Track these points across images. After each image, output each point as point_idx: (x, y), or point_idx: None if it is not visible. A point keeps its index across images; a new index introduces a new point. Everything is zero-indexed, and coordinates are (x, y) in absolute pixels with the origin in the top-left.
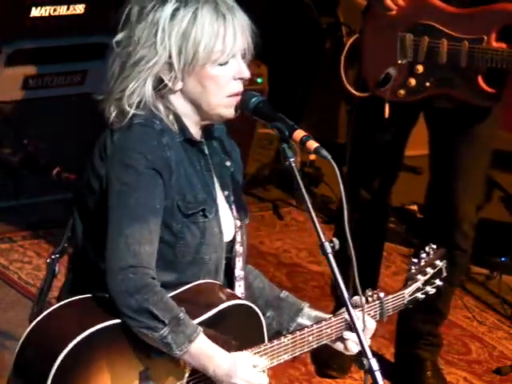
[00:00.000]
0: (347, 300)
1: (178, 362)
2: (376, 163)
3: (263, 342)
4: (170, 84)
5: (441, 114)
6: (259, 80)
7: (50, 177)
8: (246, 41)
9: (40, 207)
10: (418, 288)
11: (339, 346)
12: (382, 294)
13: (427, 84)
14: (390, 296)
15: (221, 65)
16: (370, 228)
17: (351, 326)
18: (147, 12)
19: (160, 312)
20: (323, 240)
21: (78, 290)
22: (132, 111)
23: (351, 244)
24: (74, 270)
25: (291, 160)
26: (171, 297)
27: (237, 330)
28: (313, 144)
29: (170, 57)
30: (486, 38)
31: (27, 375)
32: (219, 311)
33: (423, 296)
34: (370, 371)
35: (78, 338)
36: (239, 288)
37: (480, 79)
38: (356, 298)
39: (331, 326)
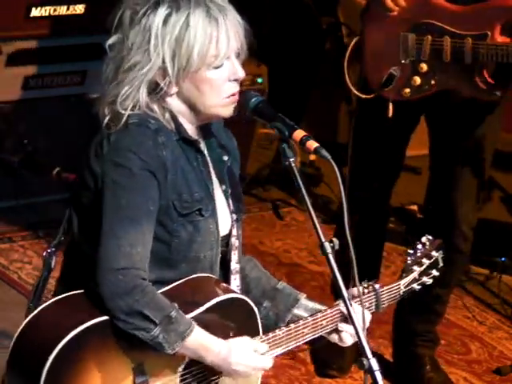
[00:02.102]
0: (347, 300)
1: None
2: (377, 165)
3: (258, 335)
4: (165, 88)
5: (442, 116)
6: (259, 80)
7: (50, 177)
8: (239, 40)
9: (40, 207)
10: (414, 279)
11: (334, 337)
12: (377, 286)
13: (432, 82)
14: (386, 287)
15: (215, 68)
16: (370, 229)
17: (350, 321)
18: (140, 17)
19: (151, 312)
20: (323, 240)
21: (71, 283)
22: (127, 113)
23: (351, 244)
24: (67, 261)
25: (291, 160)
26: (166, 291)
27: (231, 324)
28: (313, 144)
29: (163, 62)
30: (489, 33)
31: (20, 374)
32: (214, 304)
33: (419, 287)
34: (370, 371)
35: (70, 336)
36: (235, 281)
37: (485, 73)
38: (353, 289)
39: (327, 318)
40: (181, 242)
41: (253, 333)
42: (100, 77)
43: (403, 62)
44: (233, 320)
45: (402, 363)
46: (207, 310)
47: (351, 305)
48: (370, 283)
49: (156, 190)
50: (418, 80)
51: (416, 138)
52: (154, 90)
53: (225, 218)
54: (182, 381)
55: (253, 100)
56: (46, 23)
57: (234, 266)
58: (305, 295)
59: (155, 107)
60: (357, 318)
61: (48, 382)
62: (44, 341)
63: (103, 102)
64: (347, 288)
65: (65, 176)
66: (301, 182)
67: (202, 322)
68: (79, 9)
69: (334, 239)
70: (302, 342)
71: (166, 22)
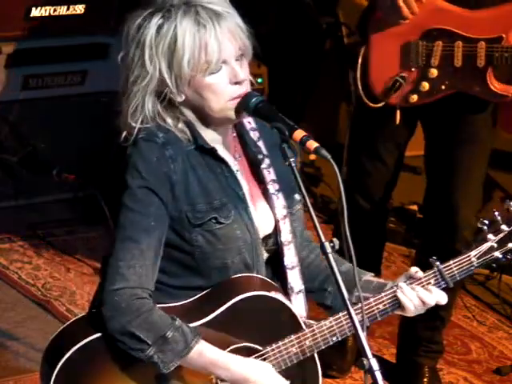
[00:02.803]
0: (347, 300)
1: None
2: (376, 170)
3: (296, 331)
4: (172, 97)
5: (438, 118)
6: (259, 80)
7: (50, 177)
8: (238, 44)
9: (40, 207)
10: (492, 247)
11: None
12: (437, 263)
13: (442, 87)
14: (452, 261)
15: (213, 73)
16: (370, 231)
17: (350, 321)
18: (135, 30)
19: (143, 333)
20: (323, 240)
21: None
22: (137, 126)
23: (351, 243)
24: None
25: (291, 160)
26: (196, 300)
27: (256, 323)
28: (313, 144)
29: (160, 73)
30: (505, 36)
31: (45, 362)
32: (232, 305)
33: (502, 255)
34: (370, 371)
35: (90, 339)
36: (294, 276)
37: (491, 75)
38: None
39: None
40: (203, 250)
41: (290, 329)
42: (100, 76)
43: (413, 69)
44: (257, 319)
45: (402, 370)
46: (224, 312)
47: (351, 305)
48: (432, 260)
49: (158, 206)
50: (426, 86)
51: (416, 138)
52: (163, 100)
53: (265, 218)
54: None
55: (253, 100)
56: (46, 23)
57: (290, 260)
58: (370, 274)
59: (167, 117)
60: (357, 318)
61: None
62: (73, 334)
63: (120, 116)
64: (347, 288)
65: (65, 176)
66: (301, 182)
67: (216, 324)
68: (79, 9)
69: (334, 239)
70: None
71: (157, 33)
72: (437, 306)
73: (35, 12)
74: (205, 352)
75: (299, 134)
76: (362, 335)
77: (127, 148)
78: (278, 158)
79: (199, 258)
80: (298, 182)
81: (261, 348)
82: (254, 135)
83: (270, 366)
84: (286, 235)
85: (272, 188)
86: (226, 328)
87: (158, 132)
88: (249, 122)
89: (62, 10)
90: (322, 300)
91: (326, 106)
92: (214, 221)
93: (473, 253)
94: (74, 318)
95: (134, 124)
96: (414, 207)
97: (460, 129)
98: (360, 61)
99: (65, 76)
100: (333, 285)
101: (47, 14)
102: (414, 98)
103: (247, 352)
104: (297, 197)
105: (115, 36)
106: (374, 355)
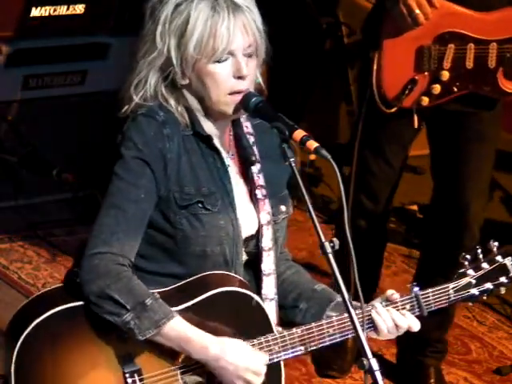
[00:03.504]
0: (347, 300)
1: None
2: (382, 171)
3: (268, 333)
4: (176, 78)
5: (444, 117)
6: (258, 80)
7: (50, 177)
8: (249, 39)
9: (40, 207)
10: (469, 283)
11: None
12: (416, 289)
13: (454, 89)
14: (430, 290)
15: (217, 61)
16: (372, 231)
17: (350, 321)
18: (157, 4)
19: (122, 297)
20: (323, 240)
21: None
22: (137, 101)
23: (351, 243)
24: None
25: (291, 160)
26: (173, 289)
27: (228, 318)
28: (313, 144)
29: (168, 51)
30: None
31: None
32: (211, 296)
33: (481, 293)
34: (370, 371)
35: (50, 313)
36: (269, 283)
37: (501, 75)
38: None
39: (333, 326)
40: (184, 234)
41: (263, 330)
42: (100, 76)
43: (426, 73)
44: (233, 314)
45: (407, 369)
46: (202, 301)
47: (351, 305)
48: (411, 285)
49: (150, 179)
50: (438, 88)
51: (416, 137)
52: (166, 79)
53: (249, 218)
54: (182, 373)
55: (253, 100)
56: (46, 23)
57: (267, 267)
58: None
59: (170, 98)
60: (357, 318)
61: (20, 358)
62: (27, 315)
63: (124, 91)
64: (347, 289)
65: (65, 176)
66: (301, 182)
67: (193, 312)
68: (79, 9)
69: (334, 239)
70: (314, 347)
71: (173, 12)
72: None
73: (35, 12)
74: (181, 327)
75: (299, 133)
76: (362, 335)
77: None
78: (271, 166)
79: (180, 241)
80: (298, 181)
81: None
82: (250, 140)
83: (244, 343)
84: (267, 241)
85: (259, 193)
86: (201, 317)
87: (159, 111)
88: (246, 127)
89: (62, 10)
90: (293, 317)
91: (325, 106)
92: (200, 205)
93: (451, 285)
94: (36, 294)
95: (134, 97)
96: (414, 207)
97: (468, 127)
98: (375, 67)
99: (65, 76)
100: (305, 302)
101: (47, 13)
102: (426, 100)
103: None
104: (283, 208)
105: (115, 36)
106: (374, 355)
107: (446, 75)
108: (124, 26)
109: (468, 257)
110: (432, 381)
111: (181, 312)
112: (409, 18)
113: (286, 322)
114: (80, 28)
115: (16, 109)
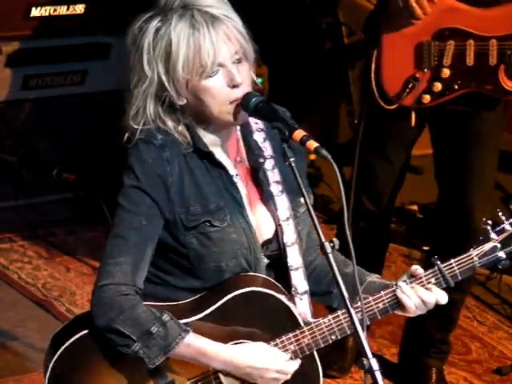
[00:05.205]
0: (347, 300)
1: None
2: (384, 172)
3: (296, 328)
4: (173, 100)
5: (447, 117)
6: (259, 80)
7: (50, 177)
8: (235, 47)
9: (40, 207)
10: (494, 247)
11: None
12: (438, 262)
13: (455, 86)
14: (453, 260)
15: (210, 76)
16: (374, 232)
17: (350, 321)
18: (136, 33)
19: (127, 329)
20: (323, 240)
21: None
22: (139, 127)
23: (351, 243)
24: None
25: (291, 160)
26: (194, 300)
27: (254, 318)
28: (313, 144)
29: (158, 76)
30: None
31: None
32: (228, 300)
33: (505, 255)
34: (370, 371)
35: (80, 335)
36: (298, 277)
37: (503, 73)
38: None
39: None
40: (197, 253)
41: (289, 326)
42: (100, 76)
43: (426, 70)
44: (252, 316)
45: (408, 369)
46: (221, 307)
47: (351, 305)
48: (433, 258)
49: (150, 205)
50: (439, 86)
51: (418, 139)
52: (164, 103)
53: (264, 222)
54: (217, 377)
55: (253, 100)
56: (46, 23)
57: (294, 262)
58: (375, 275)
59: (168, 120)
60: (357, 318)
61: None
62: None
63: (125, 117)
64: (353, 290)
65: (65, 176)
66: (301, 182)
67: (212, 319)
68: (79, 9)
69: (334, 239)
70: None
71: (155, 37)
72: (450, 307)
73: (35, 12)
74: (193, 343)
75: (299, 133)
76: (362, 335)
77: (128, 148)
78: (281, 160)
79: (194, 259)
80: (298, 181)
81: None
82: (260, 136)
83: (263, 344)
84: (289, 236)
85: (275, 189)
86: (223, 323)
87: (158, 134)
88: (256, 123)
89: (62, 10)
90: (329, 302)
91: (326, 106)
92: (207, 224)
93: (474, 252)
94: (76, 316)
95: (135, 126)
96: (414, 207)
97: (471, 128)
98: (374, 64)
99: (65, 76)
100: None
101: (47, 13)
102: (427, 98)
103: None
104: (302, 200)
105: (115, 36)
106: (374, 355)
107: (446, 72)
108: (124, 26)
109: (489, 222)
110: (433, 382)
111: (200, 320)
112: (405, 11)
113: (327, 307)
114: (80, 28)
115: (16, 109)
